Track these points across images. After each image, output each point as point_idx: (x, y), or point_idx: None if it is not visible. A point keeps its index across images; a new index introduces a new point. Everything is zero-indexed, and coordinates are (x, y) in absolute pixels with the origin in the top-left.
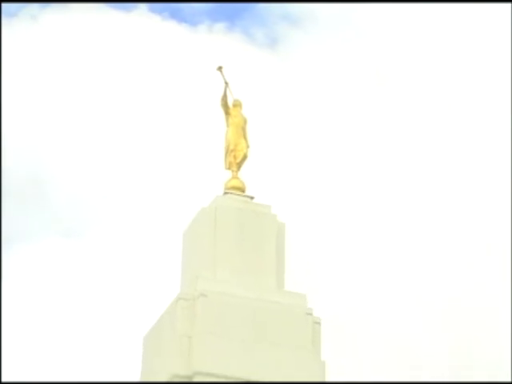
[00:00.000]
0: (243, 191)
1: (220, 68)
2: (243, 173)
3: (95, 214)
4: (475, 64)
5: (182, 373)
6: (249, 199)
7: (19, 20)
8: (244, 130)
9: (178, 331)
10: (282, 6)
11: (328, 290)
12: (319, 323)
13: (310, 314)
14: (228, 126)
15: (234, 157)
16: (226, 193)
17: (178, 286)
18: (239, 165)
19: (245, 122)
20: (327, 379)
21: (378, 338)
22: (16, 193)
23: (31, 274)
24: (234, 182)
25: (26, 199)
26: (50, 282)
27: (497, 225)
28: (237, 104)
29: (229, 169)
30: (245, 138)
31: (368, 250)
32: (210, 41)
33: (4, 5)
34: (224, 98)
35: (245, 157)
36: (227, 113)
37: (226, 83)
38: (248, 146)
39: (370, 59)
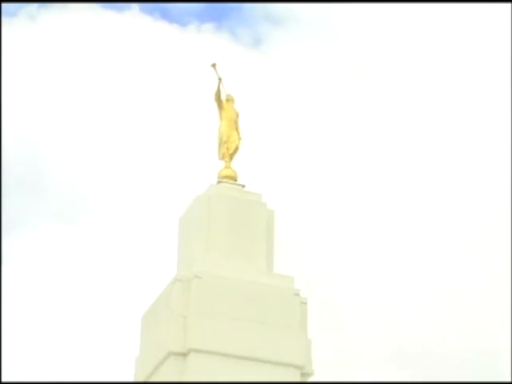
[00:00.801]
0: (235, 180)
1: (214, 65)
2: (235, 163)
3: (93, 202)
4: (453, 61)
5: (178, 350)
6: (240, 188)
7: (18, 20)
8: (236, 123)
9: (174, 311)
10: (266, 7)
11: (315, 272)
12: (306, 303)
13: (298, 295)
14: (221, 119)
15: (227, 148)
16: (219, 182)
17: (174, 269)
18: (231, 155)
19: (237, 115)
20: (313, 357)
21: (363, 318)
22: (15, 181)
23: (30, 260)
24: (227, 172)
25: (25, 187)
26: (48, 266)
27: (492, 220)
28: (229, 99)
29: (222, 159)
30: (237, 130)
31: (353, 234)
32: (198, 40)
33: (3, 5)
34: (217, 93)
35: (237, 148)
36: (220, 107)
37: (220, 79)
38: (240, 138)
39: (348, 57)
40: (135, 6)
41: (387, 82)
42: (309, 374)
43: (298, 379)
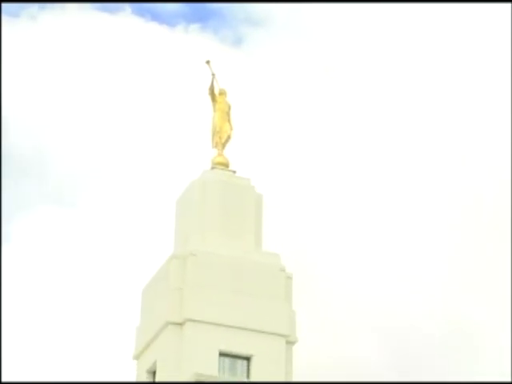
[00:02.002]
0: (227, 166)
1: (208, 62)
2: (227, 151)
3: (92, 187)
4: (436, 58)
5: (175, 320)
6: (232, 173)
7: (20, 20)
8: (228, 114)
9: (171, 285)
10: (245, 11)
11: (300, 250)
12: (291, 278)
13: (283, 270)
14: (214, 111)
15: (220, 137)
16: (212, 168)
17: (171, 247)
18: (224, 144)
19: (229, 108)
20: (297, 326)
21: (345, 292)
22: (20, 168)
23: (33, 240)
24: (220, 159)
25: (29, 174)
26: (50, 246)
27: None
28: (222, 92)
29: (215, 147)
30: (229, 121)
31: (337, 214)
32: (186, 39)
33: (6, 5)
34: (211, 88)
35: (229, 137)
36: (214, 100)
37: (213, 75)
38: (231, 129)
39: (319, 52)
40: (128, 8)
41: (355, 74)
42: (293, 342)
43: (283, 347)
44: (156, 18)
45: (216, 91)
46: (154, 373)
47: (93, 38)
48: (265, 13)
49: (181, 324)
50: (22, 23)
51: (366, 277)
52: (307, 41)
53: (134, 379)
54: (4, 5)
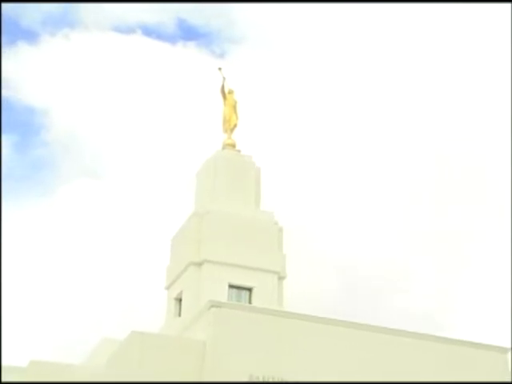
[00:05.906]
0: (234, 147)
1: (220, 68)
2: (234, 135)
3: (121, 163)
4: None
5: (195, 261)
6: (237, 152)
7: (56, 38)
8: (235, 108)
9: (192, 235)
10: (228, 31)
11: (288, 209)
12: (282, 230)
13: (276, 224)
14: (225, 105)
15: (229, 125)
16: (223, 148)
17: (191, 207)
18: (232, 130)
19: (235, 103)
20: (287, 266)
21: (326, 242)
22: (61, 148)
23: (73, 208)
24: (228, 141)
25: (68, 153)
26: (88, 210)
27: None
28: (231, 91)
29: (225, 133)
30: (235, 113)
31: (312, 184)
32: (185, 53)
33: (45, 26)
34: (222, 88)
35: (235, 125)
36: (224, 97)
37: (224, 78)
38: (237, 118)
39: (282, 61)
40: (139, 30)
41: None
42: (283, 277)
43: (276, 281)
44: (160, 37)
45: (226, 90)
46: (180, 300)
47: (113, 52)
48: (242, 33)
49: (200, 264)
50: (58, 40)
51: (335, 231)
52: (272, 53)
53: (165, 304)
54: (43, 26)
